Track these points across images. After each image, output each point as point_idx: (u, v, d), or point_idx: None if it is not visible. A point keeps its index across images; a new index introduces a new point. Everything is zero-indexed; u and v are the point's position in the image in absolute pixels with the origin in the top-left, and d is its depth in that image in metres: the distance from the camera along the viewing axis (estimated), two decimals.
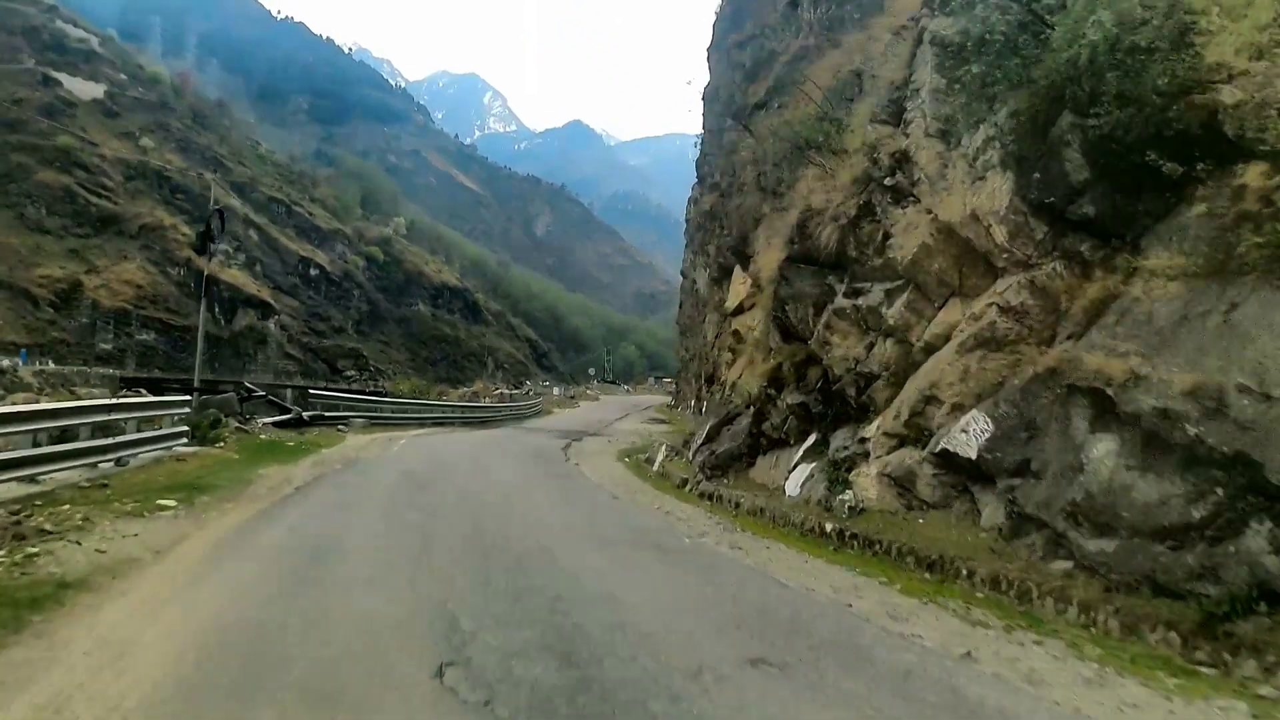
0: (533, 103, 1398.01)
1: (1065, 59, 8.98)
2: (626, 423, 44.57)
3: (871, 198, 11.87)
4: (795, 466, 13.17)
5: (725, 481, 14.67)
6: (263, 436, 18.54)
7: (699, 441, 17.27)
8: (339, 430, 22.29)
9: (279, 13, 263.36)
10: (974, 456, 9.68)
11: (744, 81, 25.18)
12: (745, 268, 18.97)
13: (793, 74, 20.14)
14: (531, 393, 66.23)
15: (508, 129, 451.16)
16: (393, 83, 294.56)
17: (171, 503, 10.07)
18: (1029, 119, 9.88)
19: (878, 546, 10.17)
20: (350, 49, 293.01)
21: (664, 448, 19.95)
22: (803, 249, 12.91)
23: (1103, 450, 7.96)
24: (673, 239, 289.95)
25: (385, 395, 34.93)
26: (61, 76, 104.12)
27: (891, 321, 11.53)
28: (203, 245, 21.59)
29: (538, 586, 7.29)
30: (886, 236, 11.60)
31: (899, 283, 11.57)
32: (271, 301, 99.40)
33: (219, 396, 19.60)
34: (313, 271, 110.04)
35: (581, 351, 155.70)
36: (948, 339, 11.04)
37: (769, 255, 16.41)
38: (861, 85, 13.98)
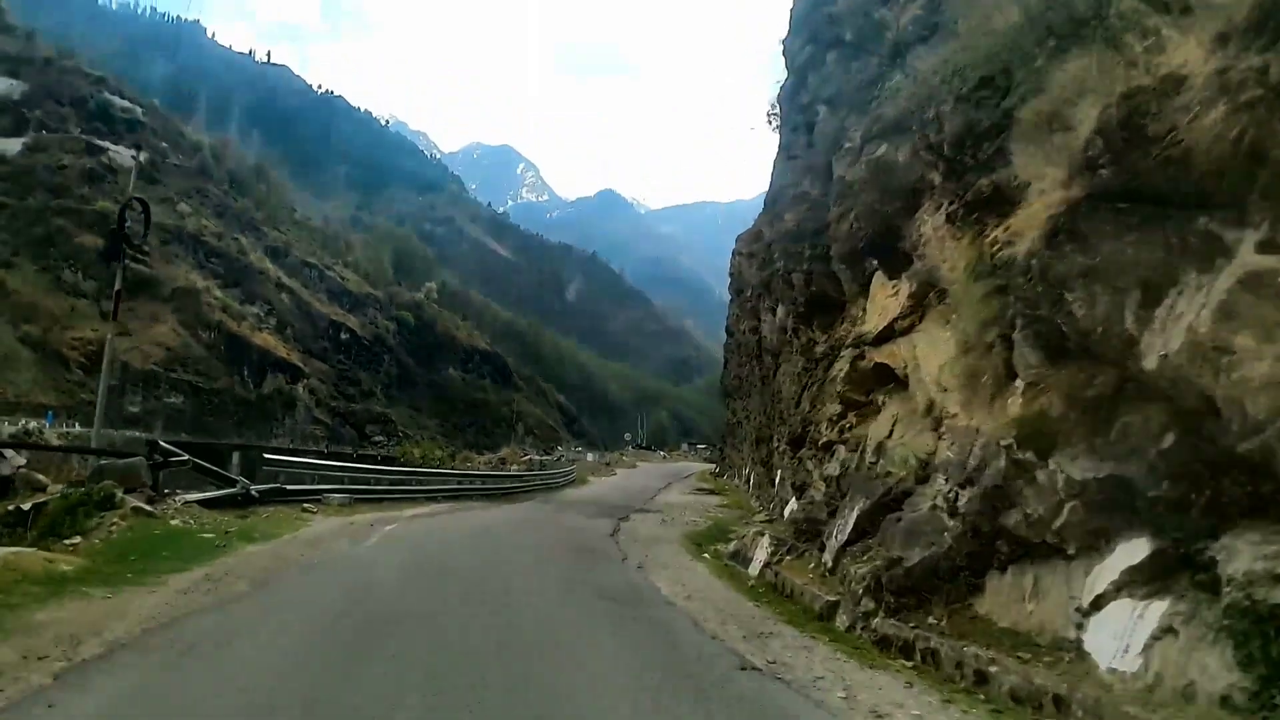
0: (564, 172, 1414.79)
1: None
2: (673, 494, 37.71)
3: None
4: (1102, 603, 6.47)
5: (931, 619, 7.88)
6: (174, 522, 11.95)
7: (841, 536, 10.48)
8: (304, 510, 15.51)
9: (319, 86, 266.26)
10: None
11: (848, 57, 19.06)
12: (894, 272, 12.40)
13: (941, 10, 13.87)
14: (564, 459, 59.38)
15: (540, 198, 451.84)
16: (429, 154, 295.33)
17: None
18: None
19: None
20: (388, 121, 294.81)
21: (766, 539, 13.12)
22: (1117, 177, 6.38)
23: None
24: (704, 305, 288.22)
25: (392, 462, 28.49)
26: (105, 144, 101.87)
27: None
28: (113, 248, 15.35)
29: None
30: None
31: None
32: (301, 365, 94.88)
33: (121, 462, 13.18)
34: (343, 335, 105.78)
35: (613, 417, 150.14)
36: None
37: (963, 237, 9.90)
38: None
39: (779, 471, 24.54)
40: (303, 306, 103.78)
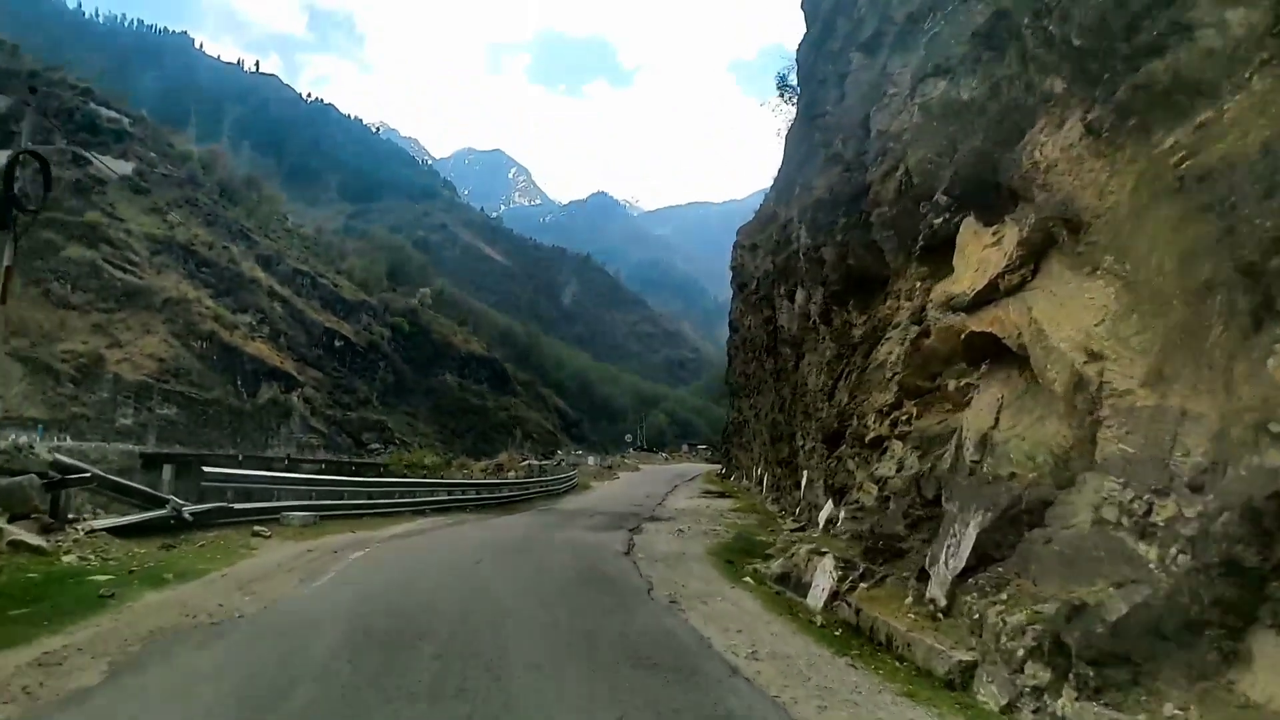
0: (557, 176, 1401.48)
1: None
2: (680, 498, 34.78)
3: None
4: None
5: (1171, 708, 5.01)
6: (68, 559, 8.87)
7: (953, 561, 7.56)
8: (255, 534, 12.62)
9: (309, 95, 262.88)
10: None
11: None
12: (992, 217, 9.52)
13: None
14: (564, 464, 56.30)
15: (533, 202, 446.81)
16: (420, 160, 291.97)
17: None
18: None
19: None
20: (378, 128, 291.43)
21: (828, 561, 10.25)
22: None
23: None
24: (699, 306, 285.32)
25: (374, 471, 25.52)
26: (92, 155, 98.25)
27: None
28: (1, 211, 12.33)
29: None
30: None
31: None
32: (295, 374, 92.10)
33: (2, 482, 10.17)
34: (338, 343, 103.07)
35: (612, 420, 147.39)
36: None
37: (1118, 150, 7.09)
38: None
39: (805, 472, 21.72)
40: (296, 314, 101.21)
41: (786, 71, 25.65)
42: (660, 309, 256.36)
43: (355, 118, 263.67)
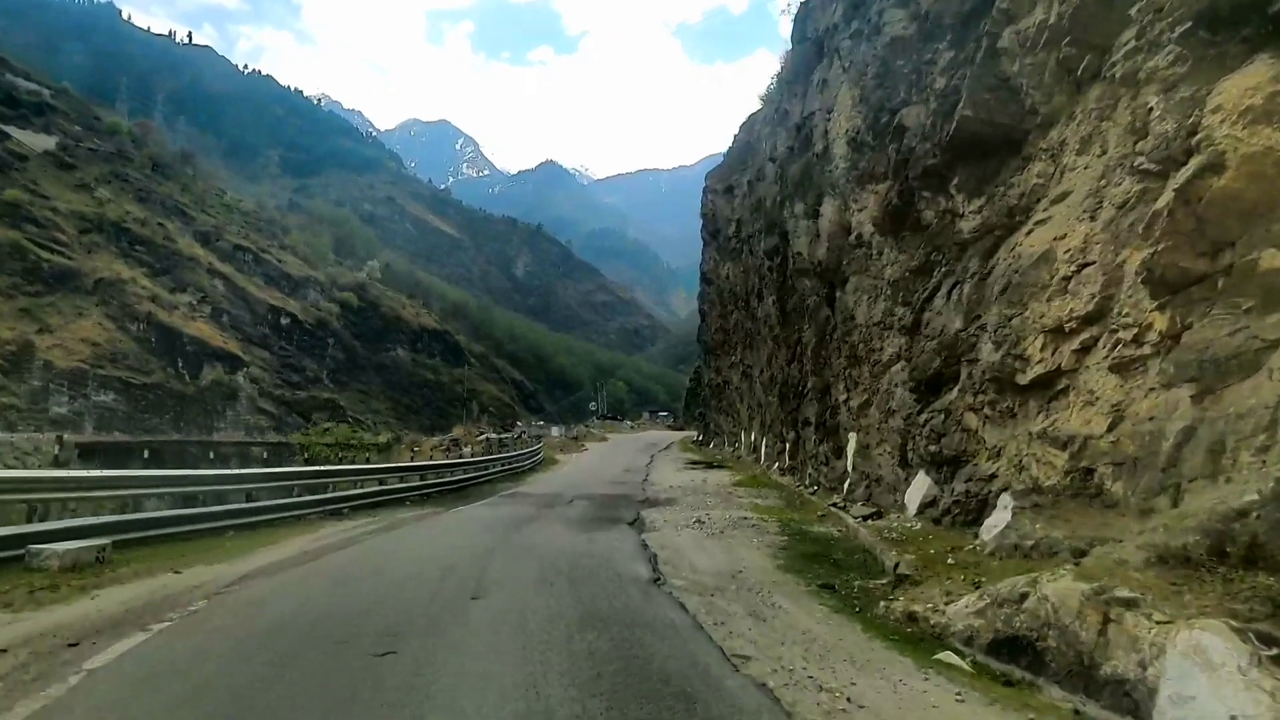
0: (505, 146, 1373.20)
1: None
2: (667, 471, 29.82)
3: None
4: None
5: None
6: None
7: None
8: None
9: (245, 67, 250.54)
10: None
11: None
12: None
13: None
14: (525, 436, 51.06)
15: (481, 174, 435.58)
16: (364, 132, 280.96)
17: None
18: None
19: None
20: (320, 101, 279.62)
21: (1223, 641, 4.73)
22: None
23: None
24: (652, 274, 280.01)
25: (266, 453, 20.15)
26: (10, 129, 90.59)
27: None
28: None
29: None
30: None
31: None
32: (240, 354, 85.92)
33: None
34: (284, 320, 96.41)
35: (569, 390, 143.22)
36: None
37: None
38: None
39: (854, 436, 16.70)
40: (238, 292, 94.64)
41: None
42: (613, 278, 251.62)
43: (295, 90, 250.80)
